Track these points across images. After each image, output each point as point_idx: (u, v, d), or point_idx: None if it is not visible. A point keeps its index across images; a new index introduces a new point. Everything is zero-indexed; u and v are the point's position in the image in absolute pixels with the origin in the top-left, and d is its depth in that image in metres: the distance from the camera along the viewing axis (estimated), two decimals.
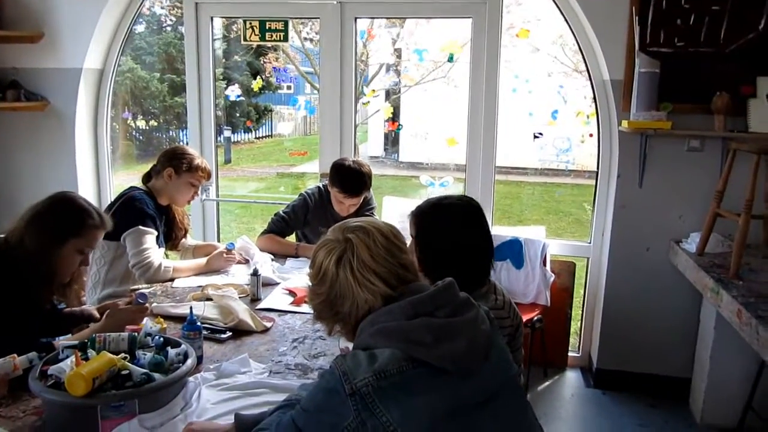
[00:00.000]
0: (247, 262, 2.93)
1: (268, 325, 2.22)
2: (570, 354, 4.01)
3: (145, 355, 1.66)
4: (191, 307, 1.95)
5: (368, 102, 4.01)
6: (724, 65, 3.32)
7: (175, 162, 2.84)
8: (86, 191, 4.15)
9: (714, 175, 3.42)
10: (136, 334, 1.71)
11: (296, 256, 3.07)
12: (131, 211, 2.68)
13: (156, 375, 1.56)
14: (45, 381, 1.54)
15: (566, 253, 3.99)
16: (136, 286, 2.74)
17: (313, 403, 1.22)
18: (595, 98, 3.71)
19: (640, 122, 3.32)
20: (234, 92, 4.30)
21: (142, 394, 1.50)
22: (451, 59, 3.84)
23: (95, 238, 2.02)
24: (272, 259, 2.95)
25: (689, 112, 3.37)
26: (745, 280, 2.84)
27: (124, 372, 1.54)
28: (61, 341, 1.69)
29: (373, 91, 4.02)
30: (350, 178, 3.04)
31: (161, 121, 12.05)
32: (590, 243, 3.88)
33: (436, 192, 4.06)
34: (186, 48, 4.04)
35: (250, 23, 3.88)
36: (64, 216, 1.95)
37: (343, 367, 1.18)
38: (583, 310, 4.02)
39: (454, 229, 1.81)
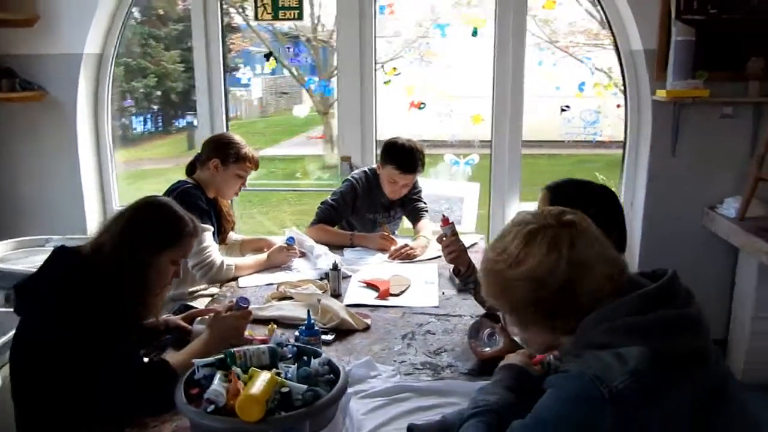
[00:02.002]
0: (303, 255, 2.78)
1: (368, 322, 2.10)
2: None
3: (288, 368, 1.53)
4: (309, 311, 1.82)
5: (389, 81, 3.86)
6: (757, 31, 3.34)
7: (222, 152, 2.65)
8: (89, 185, 3.89)
9: (746, 141, 3.48)
10: (275, 346, 1.57)
11: (352, 246, 2.94)
12: (187, 207, 2.44)
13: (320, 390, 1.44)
14: (196, 405, 1.39)
15: None
16: (194, 288, 2.58)
17: (555, 414, 1.13)
18: (622, 69, 3.68)
19: (678, 91, 3.31)
20: (246, 75, 4.08)
21: (314, 413, 1.37)
22: (475, 34, 3.72)
23: (191, 247, 1.86)
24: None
25: (722, 80, 3.38)
26: None
27: (284, 390, 1.41)
28: (195, 360, 1.53)
29: (394, 69, 3.86)
30: (406, 155, 2.92)
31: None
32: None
33: (462, 171, 3.98)
34: (193, 30, 3.79)
35: (262, 1, 3.66)
36: (162, 225, 1.77)
37: (592, 371, 1.09)
38: None
39: (597, 214, 1.74)
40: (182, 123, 13.91)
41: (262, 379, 1.38)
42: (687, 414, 1.10)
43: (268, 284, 2.50)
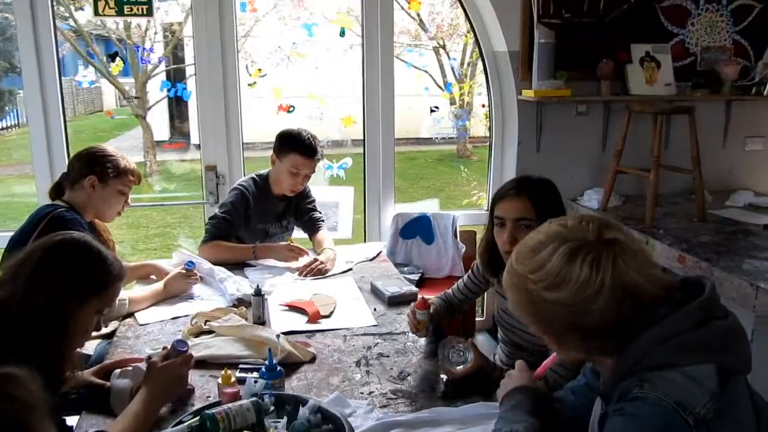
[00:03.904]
0: (202, 280, 2.47)
1: (312, 351, 1.90)
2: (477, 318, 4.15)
3: (278, 422, 1.32)
4: (270, 350, 1.59)
5: (255, 83, 3.60)
6: (605, 34, 3.62)
7: (98, 167, 2.26)
8: None
9: (598, 137, 3.77)
10: (259, 400, 1.34)
11: (255, 259, 2.66)
12: None
13: None
14: None
15: (463, 222, 4.06)
16: None
17: None
18: (486, 70, 3.79)
19: (544, 91, 3.48)
20: (87, 77, 3.55)
21: None
22: (342, 34, 3.60)
23: (117, 293, 1.53)
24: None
25: (578, 79, 3.61)
26: (662, 229, 3.18)
27: None
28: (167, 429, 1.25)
29: (259, 70, 3.61)
30: (308, 140, 2.73)
31: None
32: (488, 210, 4.00)
33: (335, 176, 3.85)
34: (18, 27, 3.21)
35: None
36: (84, 269, 1.43)
37: (672, 398, 1.05)
38: None
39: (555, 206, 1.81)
40: None
41: None
42: (755, 421, 1.11)
43: (173, 318, 2.17)
